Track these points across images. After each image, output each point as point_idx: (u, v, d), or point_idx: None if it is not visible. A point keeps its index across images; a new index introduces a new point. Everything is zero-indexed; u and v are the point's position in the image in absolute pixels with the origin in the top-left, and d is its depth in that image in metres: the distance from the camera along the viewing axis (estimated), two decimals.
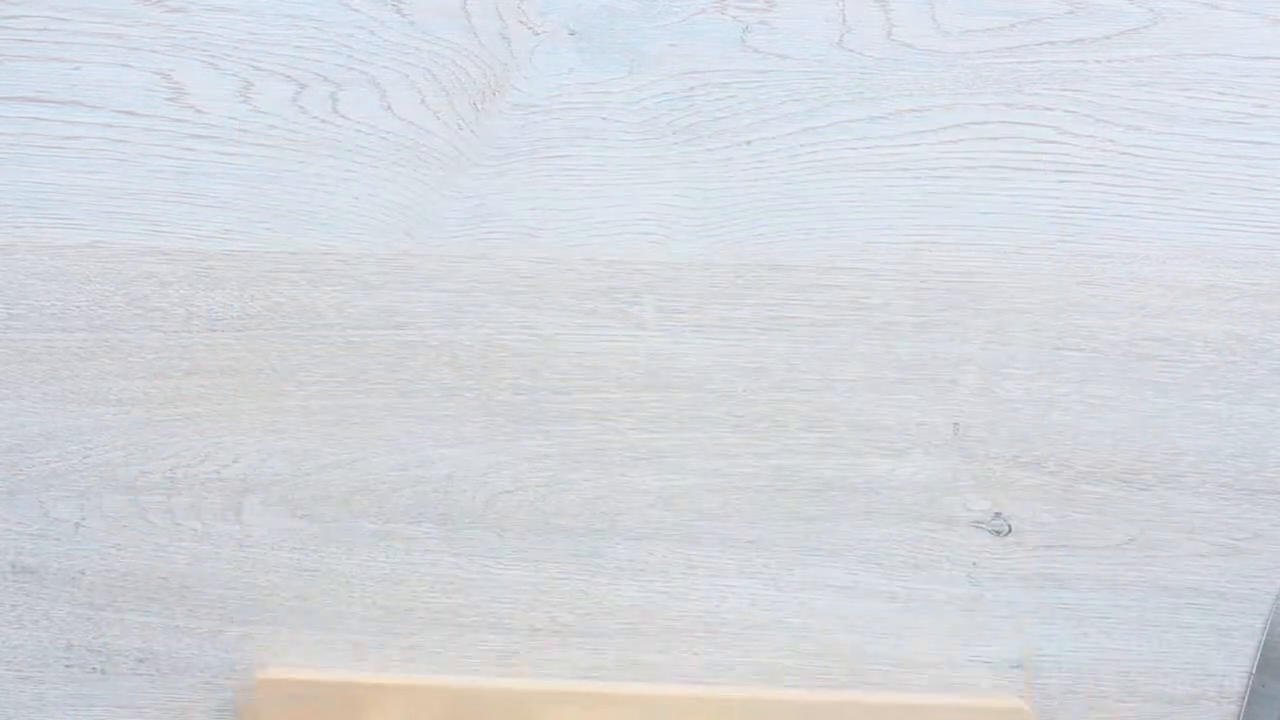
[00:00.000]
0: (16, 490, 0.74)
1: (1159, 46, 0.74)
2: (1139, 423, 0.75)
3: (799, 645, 0.75)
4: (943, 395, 0.74)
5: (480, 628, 0.74)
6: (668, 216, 0.74)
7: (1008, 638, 0.75)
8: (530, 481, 0.74)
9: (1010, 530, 0.75)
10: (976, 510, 0.75)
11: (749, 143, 0.74)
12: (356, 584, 0.74)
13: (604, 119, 0.74)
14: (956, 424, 0.75)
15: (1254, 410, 0.75)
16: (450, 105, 0.74)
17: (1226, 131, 0.74)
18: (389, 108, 0.74)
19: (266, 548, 0.74)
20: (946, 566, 0.75)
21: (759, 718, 0.72)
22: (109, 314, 0.74)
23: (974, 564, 0.75)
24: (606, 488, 0.74)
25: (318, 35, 0.73)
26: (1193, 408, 0.75)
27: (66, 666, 0.74)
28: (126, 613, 0.74)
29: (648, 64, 0.74)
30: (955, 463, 0.74)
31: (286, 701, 0.71)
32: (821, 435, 0.74)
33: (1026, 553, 0.75)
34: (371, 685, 0.72)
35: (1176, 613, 0.75)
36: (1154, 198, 0.74)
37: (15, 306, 0.74)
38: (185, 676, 0.74)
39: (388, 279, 0.74)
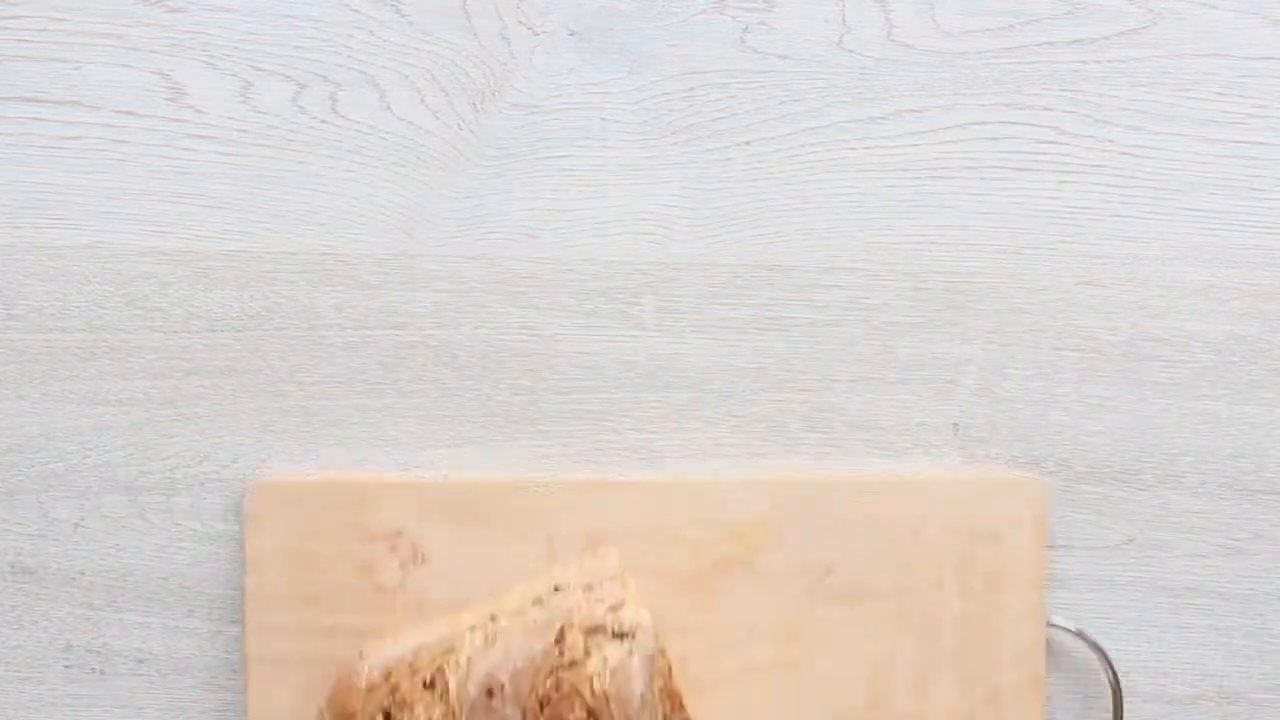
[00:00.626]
0: (16, 490, 0.74)
1: (1158, 47, 0.74)
2: (1139, 423, 0.75)
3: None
4: (943, 395, 0.74)
5: None
6: (667, 216, 0.74)
7: None
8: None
9: None
10: None
11: (748, 143, 0.74)
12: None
13: (604, 119, 0.74)
14: (956, 424, 0.75)
15: (1253, 410, 0.75)
16: (450, 105, 0.74)
17: (1225, 131, 0.74)
18: (388, 108, 0.74)
19: None
20: None
21: (761, 496, 0.72)
22: (109, 314, 0.74)
23: None
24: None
25: (318, 35, 0.74)
26: (1192, 408, 0.75)
27: (66, 667, 0.74)
28: (126, 613, 0.74)
29: (648, 64, 0.74)
30: (955, 463, 0.74)
31: (290, 504, 0.71)
32: (821, 435, 0.74)
33: None
34: (376, 483, 0.72)
35: (1176, 613, 0.75)
36: (1153, 198, 0.74)
37: (15, 307, 0.74)
38: (185, 676, 0.74)
39: (386, 279, 0.74)
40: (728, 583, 0.72)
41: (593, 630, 0.64)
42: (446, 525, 0.71)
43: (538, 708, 0.62)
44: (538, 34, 0.74)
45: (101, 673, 0.75)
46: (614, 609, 0.64)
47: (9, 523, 0.74)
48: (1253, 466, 0.75)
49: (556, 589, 0.66)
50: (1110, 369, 0.74)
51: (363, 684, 0.65)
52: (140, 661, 0.74)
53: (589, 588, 0.65)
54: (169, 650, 0.74)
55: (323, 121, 0.73)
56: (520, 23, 0.74)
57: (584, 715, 0.62)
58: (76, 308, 0.74)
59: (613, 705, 0.62)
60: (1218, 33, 0.74)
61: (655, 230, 0.74)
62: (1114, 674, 0.73)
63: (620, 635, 0.63)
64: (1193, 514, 0.75)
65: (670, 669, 0.64)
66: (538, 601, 0.65)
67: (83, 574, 0.74)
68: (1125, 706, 0.75)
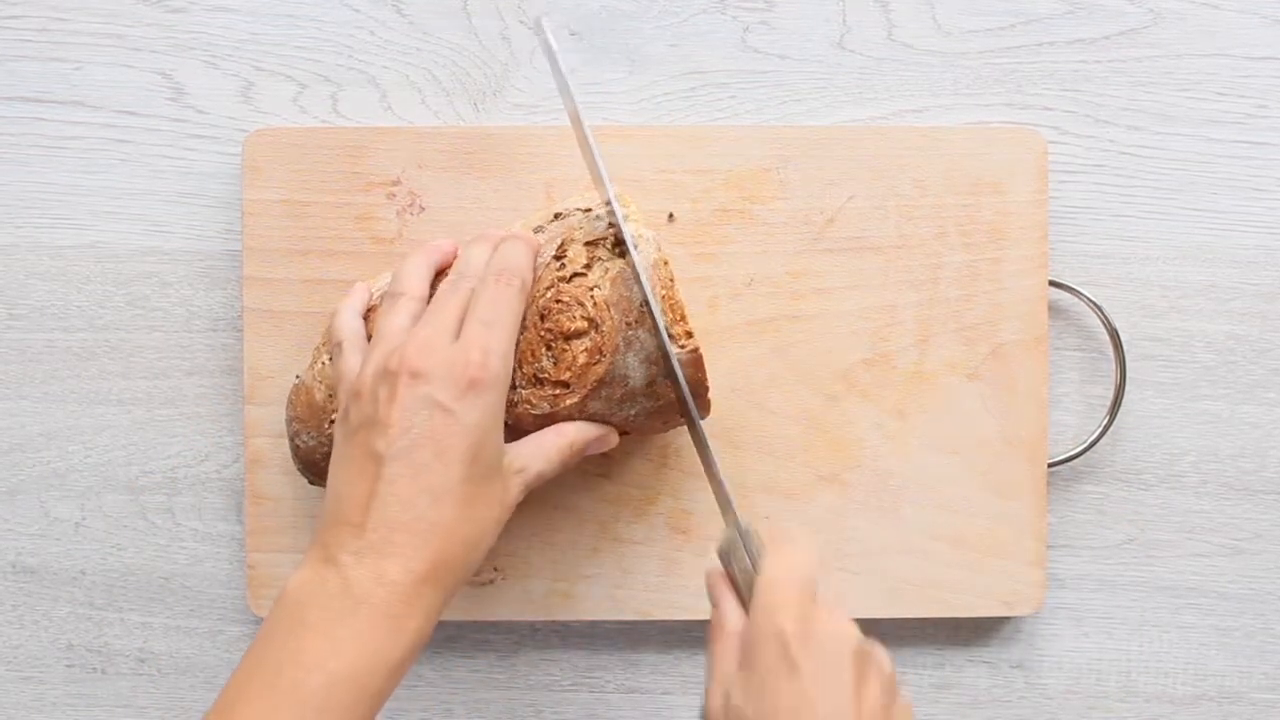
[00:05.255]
0: (16, 490, 0.74)
1: (1158, 47, 0.74)
2: (1140, 422, 0.75)
3: None
4: None
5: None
6: None
7: (1007, 637, 0.75)
8: None
9: None
10: None
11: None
12: None
13: (604, 119, 0.74)
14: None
15: (1254, 410, 0.75)
16: (451, 104, 0.74)
17: (1226, 131, 0.74)
18: (389, 108, 0.74)
19: None
20: None
21: (762, 145, 0.71)
22: (109, 314, 0.74)
23: None
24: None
25: (318, 35, 0.74)
26: (1193, 408, 0.75)
27: (66, 666, 0.74)
28: (126, 613, 0.74)
29: (648, 64, 0.74)
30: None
31: (287, 153, 0.70)
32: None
33: None
34: (374, 130, 0.71)
35: (1177, 612, 0.75)
36: (1154, 198, 0.74)
37: (15, 306, 0.74)
38: (186, 676, 0.74)
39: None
40: (728, 233, 0.71)
41: (594, 243, 0.63)
42: (445, 173, 0.71)
43: (538, 319, 0.61)
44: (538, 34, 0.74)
45: (102, 672, 0.75)
46: (616, 223, 0.63)
47: (10, 522, 0.74)
48: (1253, 466, 0.75)
49: (557, 216, 0.65)
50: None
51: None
52: (141, 661, 0.75)
53: (589, 210, 0.65)
54: (169, 650, 0.74)
55: (323, 122, 0.73)
56: (520, 23, 0.74)
57: (584, 325, 0.61)
58: (77, 307, 0.74)
59: (613, 312, 0.61)
60: (1218, 33, 0.74)
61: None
62: (1116, 334, 0.73)
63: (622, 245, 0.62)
64: (1193, 514, 0.75)
65: (673, 279, 0.62)
66: (539, 230, 0.65)
67: (84, 574, 0.74)
68: (1125, 706, 0.75)
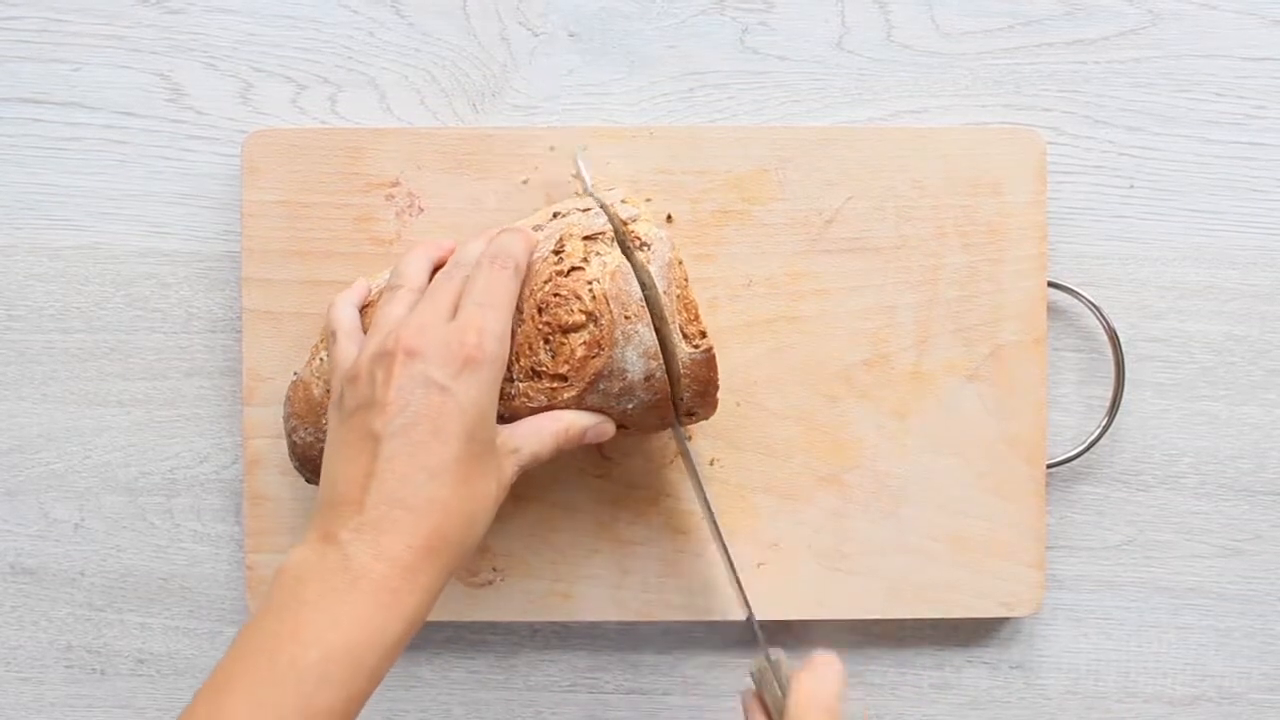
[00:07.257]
0: (16, 490, 0.74)
1: (1158, 47, 0.74)
2: (1139, 423, 0.75)
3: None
4: None
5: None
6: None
7: (1007, 637, 0.75)
8: None
9: None
10: None
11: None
12: None
13: (603, 119, 0.74)
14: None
15: (1253, 411, 0.75)
16: (450, 105, 0.74)
17: (1225, 132, 0.74)
18: (389, 108, 0.74)
19: None
20: None
21: (761, 145, 0.71)
22: (108, 315, 0.74)
23: None
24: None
25: (318, 36, 0.74)
26: (1191, 408, 0.75)
27: (66, 667, 0.74)
28: (125, 614, 0.74)
29: (647, 64, 0.74)
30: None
31: (287, 154, 0.71)
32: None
33: None
34: (373, 131, 0.71)
35: (1176, 613, 0.75)
36: (1153, 198, 0.74)
37: (15, 307, 0.74)
38: (185, 677, 0.74)
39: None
40: (727, 233, 0.71)
41: (592, 237, 0.63)
42: (444, 174, 0.71)
43: (535, 312, 0.62)
44: (537, 35, 0.74)
45: (101, 673, 0.75)
46: (629, 222, 0.63)
47: (9, 523, 0.74)
48: (1253, 467, 0.75)
49: (556, 216, 0.65)
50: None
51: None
52: (140, 661, 0.75)
53: (587, 210, 0.65)
54: (169, 650, 0.74)
55: (322, 122, 0.73)
56: (520, 24, 0.74)
57: (582, 318, 0.61)
58: (77, 308, 0.74)
59: (611, 306, 0.61)
60: (1218, 33, 0.74)
61: None
62: (1115, 335, 0.73)
63: (634, 245, 0.63)
64: (1193, 514, 0.75)
65: (686, 278, 0.63)
66: (538, 229, 0.65)
67: (83, 574, 0.74)
68: (1124, 706, 0.75)
